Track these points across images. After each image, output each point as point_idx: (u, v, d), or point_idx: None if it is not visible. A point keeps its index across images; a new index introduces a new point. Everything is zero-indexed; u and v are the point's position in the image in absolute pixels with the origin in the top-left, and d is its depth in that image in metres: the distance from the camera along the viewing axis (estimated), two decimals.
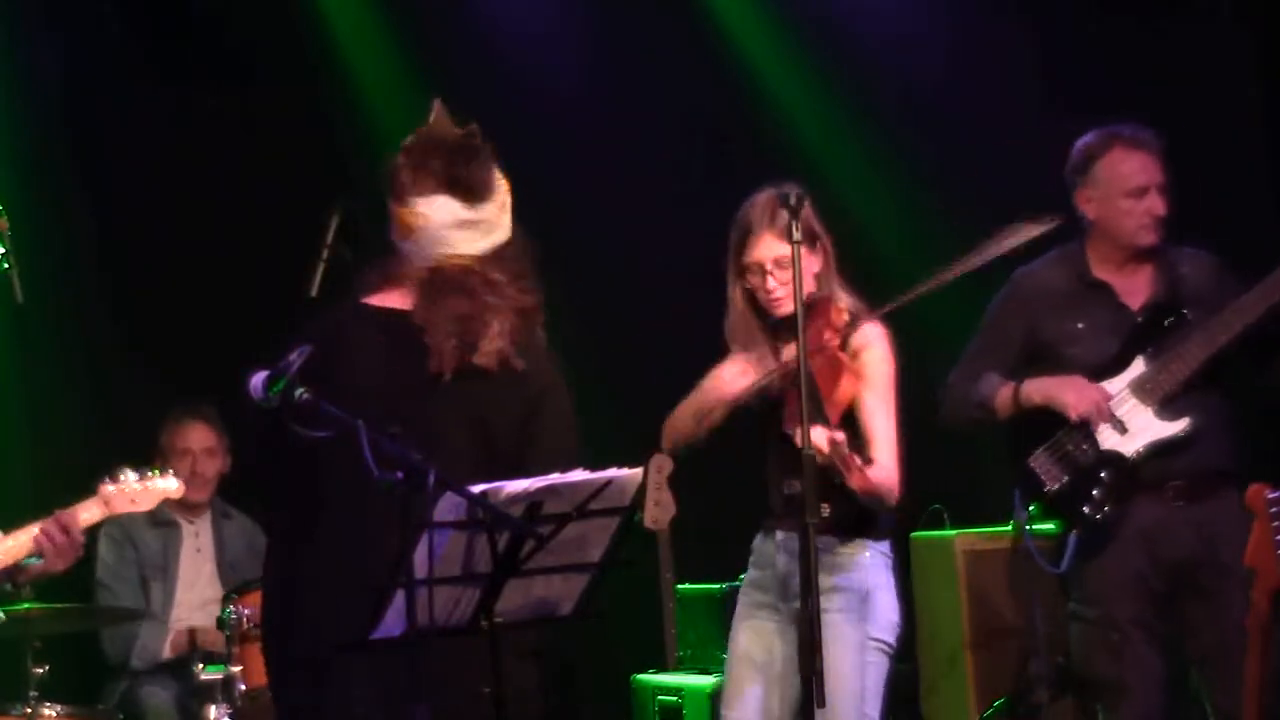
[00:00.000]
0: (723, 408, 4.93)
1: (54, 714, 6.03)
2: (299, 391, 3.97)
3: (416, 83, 7.90)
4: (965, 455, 7.40)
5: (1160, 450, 5.41)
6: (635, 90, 7.77)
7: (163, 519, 7.02)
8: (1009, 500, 6.56)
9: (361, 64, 7.96)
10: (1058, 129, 7.22)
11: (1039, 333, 5.57)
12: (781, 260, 4.87)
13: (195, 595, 6.95)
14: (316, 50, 7.89)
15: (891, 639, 4.95)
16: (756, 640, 5.00)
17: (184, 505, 7.03)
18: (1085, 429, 5.43)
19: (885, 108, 7.49)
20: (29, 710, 5.98)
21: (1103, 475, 5.42)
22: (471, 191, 4.37)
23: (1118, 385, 5.45)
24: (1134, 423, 5.43)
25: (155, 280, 7.64)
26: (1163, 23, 7.00)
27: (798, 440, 4.57)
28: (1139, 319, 5.50)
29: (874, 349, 4.90)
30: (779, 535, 4.97)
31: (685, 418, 5.02)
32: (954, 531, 6.33)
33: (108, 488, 5.44)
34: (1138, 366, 5.46)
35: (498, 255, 4.39)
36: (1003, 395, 5.52)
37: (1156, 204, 5.49)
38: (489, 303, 4.30)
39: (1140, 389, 5.43)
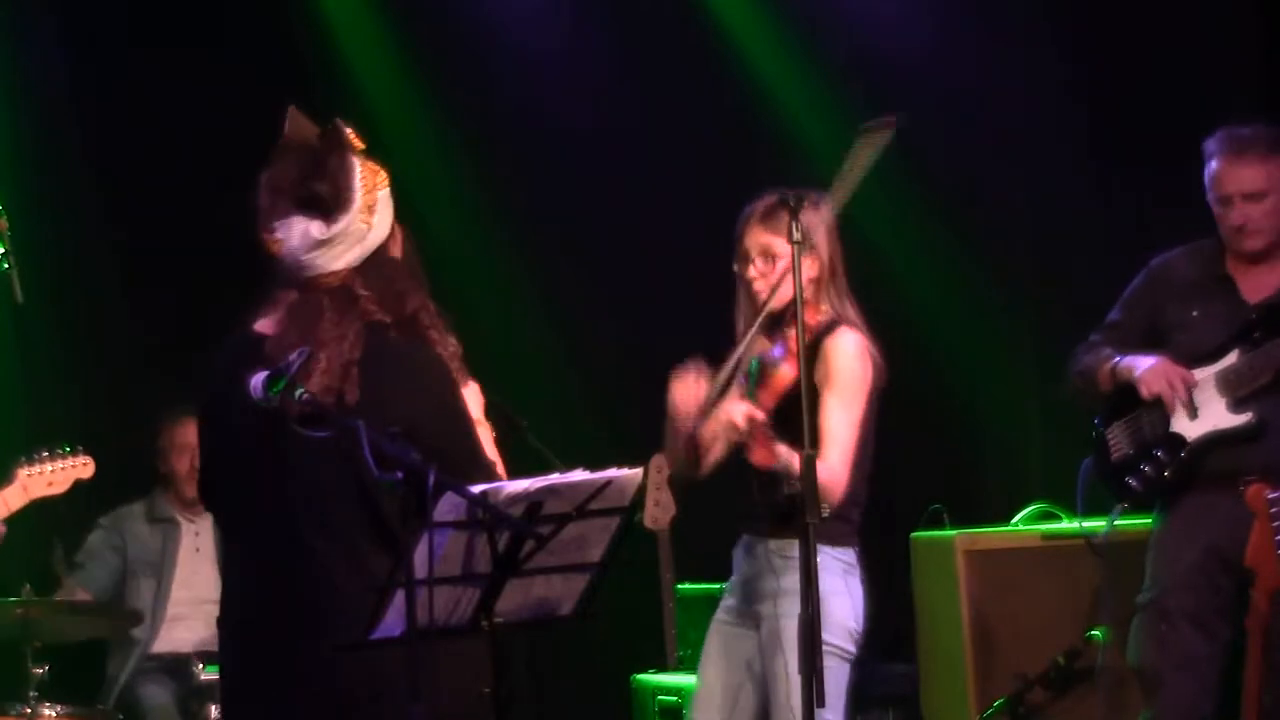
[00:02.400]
0: (686, 441, 4.93)
1: (54, 714, 6.04)
2: (299, 391, 3.97)
3: (416, 83, 7.91)
4: (965, 455, 7.41)
5: (1223, 441, 5.45)
6: (636, 90, 7.77)
7: (161, 516, 7.03)
8: (1009, 500, 6.59)
9: (361, 64, 7.96)
10: (1060, 128, 7.25)
11: (1161, 318, 5.65)
12: (766, 251, 4.93)
13: (191, 594, 6.94)
14: (316, 50, 7.89)
15: (849, 645, 4.90)
16: (717, 645, 5.06)
17: (185, 503, 7.04)
18: (1161, 409, 5.49)
19: (886, 106, 7.47)
20: (29, 710, 5.98)
21: (1159, 454, 5.50)
22: (324, 207, 4.16)
23: (1206, 373, 5.50)
24: (1206, 410, 5.48)
25: (155, 280, 7.64)
26: (1165, 21, 7.00)
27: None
28: (1251, 315, 5.52)
29: (843, 353, 4.85)
30: (744, 539, 5.02)
31: (676, 451, 5.05)
32: (954, 531, 6.33)
33: (23, 471, 5.44)
34: (1231, 358, 5.49)
35: (373, 262, 4.18)
36: (1104, 369, 5.62)
37: (1237, 214, 5.50)
38: (328, 332, 4.10)
39: (1224, 380, 5.47)
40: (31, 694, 6.01)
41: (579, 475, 3.89)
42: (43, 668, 6.07)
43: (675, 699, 6.43)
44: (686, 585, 6.63)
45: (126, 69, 7.68)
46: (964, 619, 6.19)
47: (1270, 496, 4.38)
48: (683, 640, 6.58)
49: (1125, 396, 5.58)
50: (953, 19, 7.42)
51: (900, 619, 6.49)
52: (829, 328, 4.91)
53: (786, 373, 4.86)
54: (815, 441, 4.59)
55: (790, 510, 4.73)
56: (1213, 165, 5.56)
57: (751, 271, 4.96)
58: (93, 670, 6.95)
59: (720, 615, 5.08)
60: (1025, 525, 6.33)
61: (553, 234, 7.82)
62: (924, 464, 6.97)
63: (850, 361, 4.86)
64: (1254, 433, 5.42)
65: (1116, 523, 5.74)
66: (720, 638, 5.06)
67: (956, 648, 6.19)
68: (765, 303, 4.85)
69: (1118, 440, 5.61)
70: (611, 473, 3.91)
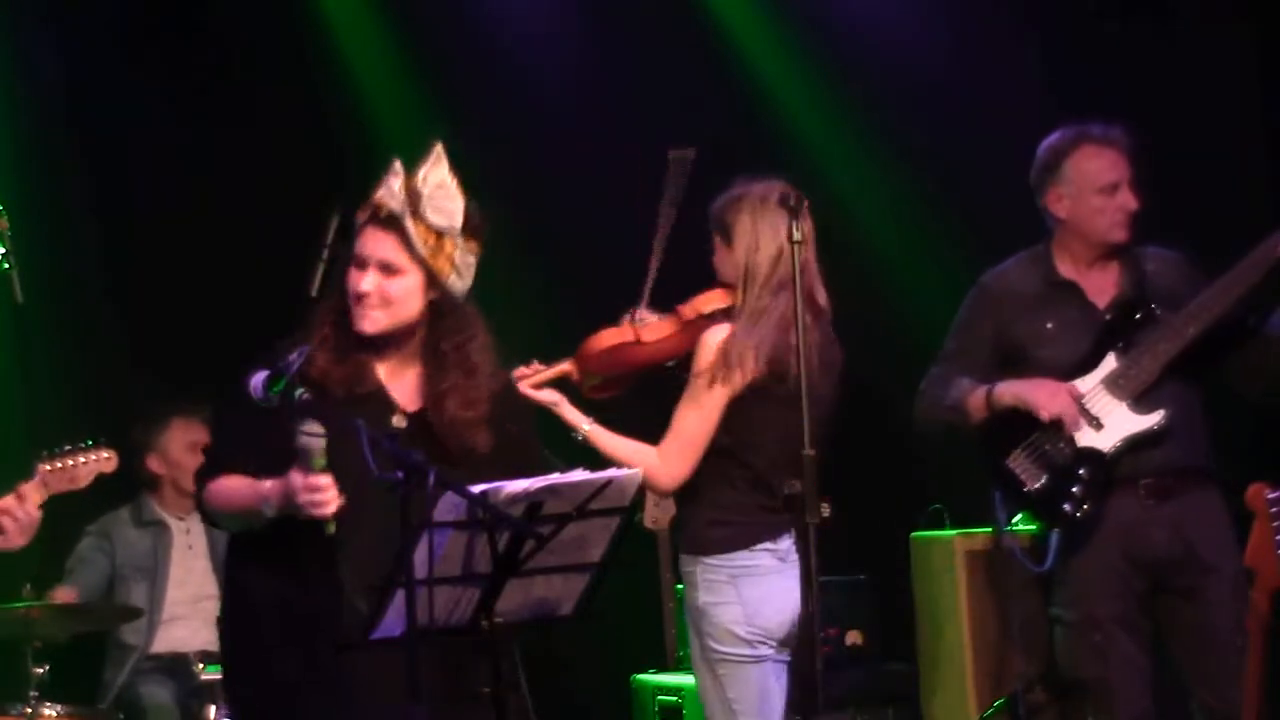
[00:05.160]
0: None
1: (54, 714, 6.03)
2: (299, 391, 3.98)
3: (416, 83, 7.90)
4: (965, 455, 7.40)
5: (1136, 444, 5.41)
6: (635, 89, 7.76)
7: (149, 519, 7.01)
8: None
9: (361, 64, 7.95)
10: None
11: (1009, 334, 5.56)
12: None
13: (188, 593, 6.93)
14: (316, 50, 7.89)
15: (742, 650, 4.86)
16: None
17: (178, 503, 7.02)
18: (1060, 428, 5.43)
19: (886, 106, 7.49)
20: (29, 710, 5.98)
21: (1081, 472, 5.42)
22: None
23: (1090, 382, 5.44)
24: (1109, 418, 5.42)
25: (155, 280, 7.64)
26: (1165, 22, 7.00)
27: None
28: (1107, 316, 5.49)
29: (703, 345, 4.94)
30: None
31: None
32: (954, 531, 6.33)
33: (44, 466, 5.43)
34: (1109, 363, 5.46)
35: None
36: (975, 398, 5.50)
37: (1129, 200, 5.50)
38: None
39: (1113, 384, 5.43)
40: (31, 694, 6.01)
41: (579, 475, 3.90)
42: (43, 668, 6.06)
43: (675, 699, 6.43)
44: None
45: (126, 70, 7.68)
46: (964, 619, 6.19)
47: (1270, 496, 4.36)
48: (683, 640, 6.57)
49: (1004, 425, 5.48)
50: (953, 18, 7.41)
51: (900, 619, 6.49)
52: (710, 318, 5.00)
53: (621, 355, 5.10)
54: (813, 442, 4.58)
55: (681, 525, 4.94)
56: (1085, 154, 5.51)
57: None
58: (93, 671, 6.94)
59: None
60: (1025, 525, 6.33)
61: (552, 233, 7.81)
62: (924, 464, 6.96)
63: (704, 355, 4.90)
64: (1164, 430, 5.39)
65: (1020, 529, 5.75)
66: None
67: (956, 648, 6.20)
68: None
69: (1025, 469, 5.47)
70: (611, 473, 3.92)
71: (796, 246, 4.66)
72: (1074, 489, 5.42)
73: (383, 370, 4.37)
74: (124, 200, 7.69)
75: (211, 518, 4.46)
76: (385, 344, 4.37)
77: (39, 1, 7.70)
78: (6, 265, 5.26)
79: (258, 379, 4.02)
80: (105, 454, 5.64)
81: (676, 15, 7.71)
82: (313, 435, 4.04)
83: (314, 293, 5.73)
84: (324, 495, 4.05)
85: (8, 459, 6.61)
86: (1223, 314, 5.35)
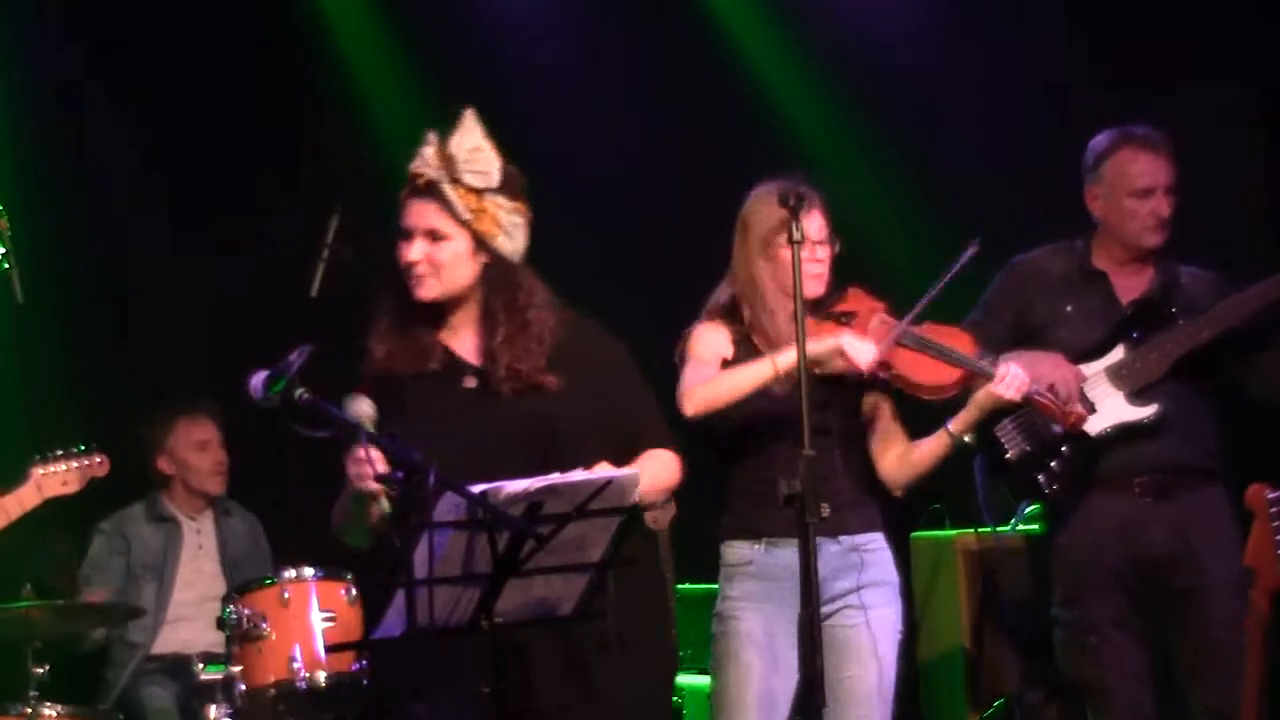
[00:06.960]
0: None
1: (54, 714, 6.03)
2: (299, 391, 3.98)
3: (416, 82, 7.91)
4: (965, 455, 7.41)
5: (1124, 435, 5.44)
6: (634, 87, 7.77)
7: (163, 515, 7.01)
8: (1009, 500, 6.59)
9: (362, 65, 7.96)
10: (1058, 127, 7.26)
11: (1030, 314, 5.62)
12: (820, 239, 4.97)
13: (194, 594, 6.93)
14: (317, 50, 7.90)
15: None
16: (776, 659, 4.93)
17: (190, 502, 7.03)
18: None
19: (885, 105, 7.49)
20: (29, 710, 5.98)
21: (1064, 450, 5.46)
22: None
23: (1095, 368, 5.49)
24: (1103, 404, 5.46)
25: (155, 280, 7.64)
26: (1165, 21, 7.01)
27: None
28: (1128, 311, 5.52)
29: None
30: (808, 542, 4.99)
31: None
32: (954, 531, 6.34)
33: (38, 470, 5.44)
34: (1117, 353, 5.50)
35: None
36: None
37: (1161, 205, 5.52)
38: None
39: (1116, 374, 5.47)
40: (31, 694, 6.00)
41: (579, 475, 3.90)
42: (43, 668, 6.06)
43: (675, 699, 6.43)
44: (686, 585, 6.63)
45: (127, 69, 7.69)
46: (964, 619, 6.19)
47: (1270, 496, 4.37)
48: (683, 640, 6.58)
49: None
50: (954, 17, 7.42)
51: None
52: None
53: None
54: (812, 442, 4.57)
55: (873, 503, 5.00)
56: (1123, 157, 5.55)
57: (820, 253, 4.99)
58: (93, 670, 6.94)
59: (759, 626, 4.95)
60: (1025, 525, 6.34)
61: (553, 232, 7.80)
62: None
63: None
64: (1157, 425, 5.41)
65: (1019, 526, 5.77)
66: (770, 653, 4.93)
67: (956, 648, 6.20)
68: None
69: (1011, 437, 5.53)
70: (611, 473, 3.92)
71: (795, 246, 4.65)
72: (1052, 464, 5.47)
73: (448, 338, 4.40)
74: (123, 200, 7.69)
75: (350, 543, 4.37)
76: (445, 311, 4.40)
77: (38, 2, 7.71)
78: (6, 265, 5.27)
79: (257, 379, 4.02)
80: (97, 458, 5.67)
81: (677, 13, 7.72)
82: (359, 405, 4.02)
83: (313, 293, 5.74)
84: (363, 468, 3.97)
85: (8, 459, 6.63)
86: (1238, 324, 5.39)
